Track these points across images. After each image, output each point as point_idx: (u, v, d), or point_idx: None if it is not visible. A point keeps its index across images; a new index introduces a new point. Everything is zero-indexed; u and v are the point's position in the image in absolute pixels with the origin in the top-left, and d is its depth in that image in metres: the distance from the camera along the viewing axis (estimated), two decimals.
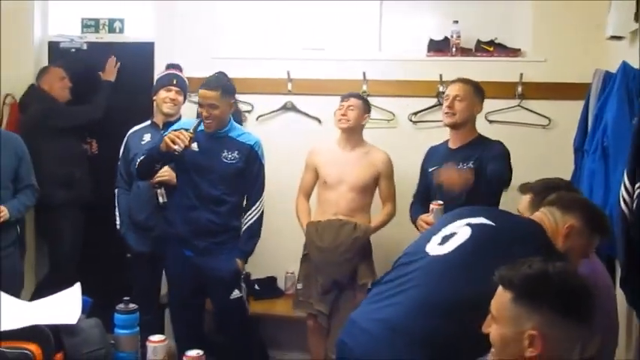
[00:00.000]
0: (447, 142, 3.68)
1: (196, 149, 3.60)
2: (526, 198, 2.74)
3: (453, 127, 3.57)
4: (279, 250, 4.36)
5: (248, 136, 3.72)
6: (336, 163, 3.96)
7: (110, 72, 4.79)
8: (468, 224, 2.33)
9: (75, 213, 4.66)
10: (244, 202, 3.74)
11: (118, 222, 4.07)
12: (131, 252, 4.08)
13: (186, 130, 3.48)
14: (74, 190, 4.59)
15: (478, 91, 3.61)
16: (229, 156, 3.62)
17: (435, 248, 2.33)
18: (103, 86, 4.73)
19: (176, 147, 3.39)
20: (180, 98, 4.06)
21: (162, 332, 2.46)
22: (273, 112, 4.57)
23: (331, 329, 3.84)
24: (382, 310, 2.23)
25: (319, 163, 4.03)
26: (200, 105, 3.59)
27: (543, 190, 2.66)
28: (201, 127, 3.60)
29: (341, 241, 3.83)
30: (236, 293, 3.72)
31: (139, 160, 3.69)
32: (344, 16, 4.62)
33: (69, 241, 4.63)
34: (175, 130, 3.49)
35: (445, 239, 2.33)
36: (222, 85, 3.58)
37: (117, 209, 4.08)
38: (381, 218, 4.00)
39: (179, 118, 4.04)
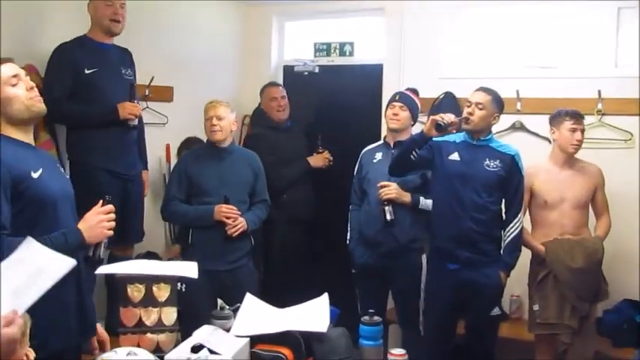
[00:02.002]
0: None
1: (458, 159, 3.66)
2: None
3: None
4: None
5: (508, 147, 3.71)
6: (556, 181, 3.85)
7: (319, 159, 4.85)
8: None
9: (297, 228, 4.82)
10: (504, 214, 3.72)
11: (348, 237, 4.20)
12: (356, 267, 4.17)
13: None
14: (296, 206, 4.76)
15: None
16: (491, 164, 3.62)
17: None
18: (301, 166, 4.79)
19: (441, 119, 3.48)
20: (404, 114, 4.04)
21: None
22: (501, 131, 4.49)
23: (574, 346, 3.72)
24: None
25: (537, 183, 3.90)
26: (467, 106, 3.64)
27: None
28: (464, 138, 3.68)
29: (591, 260, 3.71)
30: (496, 310, 3.70)
31: (397, 154, 3.80)
32: (577, 31, 4.45)
33: (289, 253, 4.82)
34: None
35: None
36: (496, 93, 3.65)
37: (349, 224, 4.22)
38: (605, 231, 3.88)
39: None
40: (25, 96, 2.34)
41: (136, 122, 3.81)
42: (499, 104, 3.65)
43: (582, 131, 3.78)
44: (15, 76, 2.34)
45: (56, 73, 3.64)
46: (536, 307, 3.85)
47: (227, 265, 3.89)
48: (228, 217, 3.82)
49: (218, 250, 3.87)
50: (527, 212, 3.95)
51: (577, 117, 3.79)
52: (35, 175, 2.31)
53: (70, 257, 1.90)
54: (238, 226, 3.84)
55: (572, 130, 3.78)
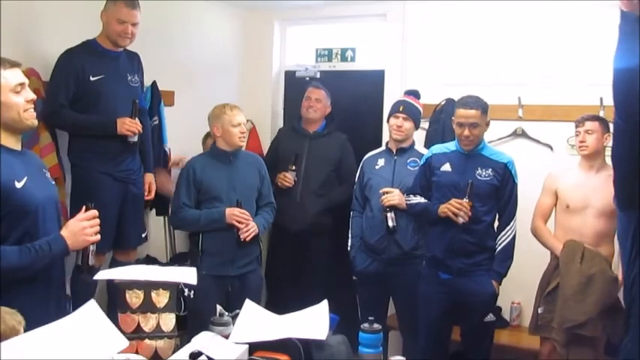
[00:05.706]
0: None
1: (449, 169, 3.67)
2: None
3: None
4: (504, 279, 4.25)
5: (501, 155, 3.70)
6: (581, 186, 3.74)
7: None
8: None
9: (295, 234, 4.70)
10: (496, 223, 3.70)
11: (349, 244, 4.18)
12: (357, 274, 4.16)
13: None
14: (294, 212, 4.64)
15: None
16: (483, 173, 3.61)
17: None
18: None
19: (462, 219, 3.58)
20: (408, 124, 4.03)
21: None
22: (503, 138, 4.48)
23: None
24: None
25: (561, 186, 3.83)
26: (460, 125, 3.60)
27: None
28: (455, 148, 3.69)
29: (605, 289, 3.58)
30: (490, 317, 3.71)
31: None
32: (579, 38, 4.43)
33: (288, 260, 4.79)
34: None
35: None
36: (482, 103, 3.60)
37: (350, 231, 4.20)
38: None
39: (413, 144, 4.11)
40: (23, 107, 2.36)
41: (135, 139, 3.75)
42: (486, 110, 3.62)
43: (589, 133, 3.70)
44: (21, 84, 2.35)
45: (60, 78, 3.62)
46: (540, 310, 3.81)
47: (237, 271, 3.85)
48: (239, 222, 3.79)
49: (229, 255, 3.84)
50: (554, 215, 3.89)
51: (581, 121, 3.75)
52: (19, 185, 2.33)
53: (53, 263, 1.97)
54: (250, 230, 3.82)
55: (576, 135, 3.78)
